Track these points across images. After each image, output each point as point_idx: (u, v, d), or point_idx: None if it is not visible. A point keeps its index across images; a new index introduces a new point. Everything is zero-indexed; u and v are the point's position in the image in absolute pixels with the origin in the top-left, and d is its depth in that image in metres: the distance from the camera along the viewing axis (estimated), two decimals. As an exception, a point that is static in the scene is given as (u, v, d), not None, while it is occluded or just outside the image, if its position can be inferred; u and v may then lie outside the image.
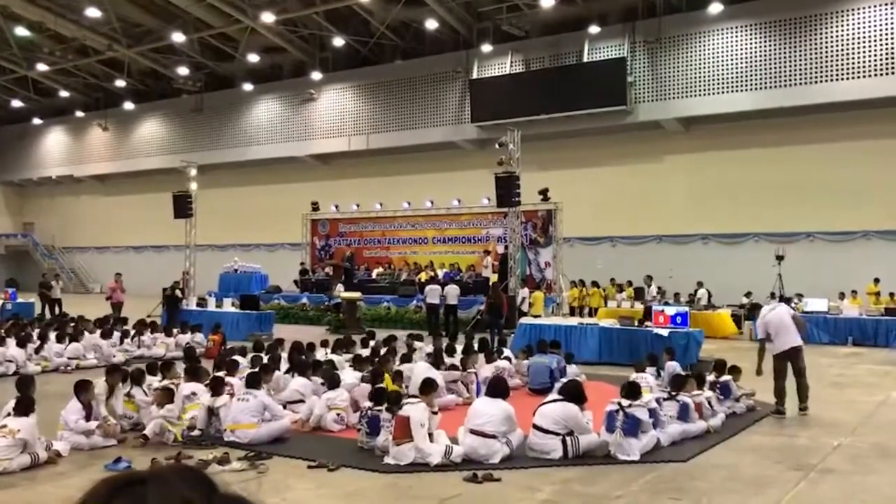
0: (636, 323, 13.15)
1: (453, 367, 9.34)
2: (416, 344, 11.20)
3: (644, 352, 10.94)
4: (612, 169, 23.74)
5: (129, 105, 32.91)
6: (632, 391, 6.86)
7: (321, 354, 10.36)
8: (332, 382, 7.87)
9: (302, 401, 7.91)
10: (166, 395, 7.20)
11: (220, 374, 8.32)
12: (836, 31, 20.06)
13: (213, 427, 7.19)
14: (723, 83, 21.42)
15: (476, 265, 21.31)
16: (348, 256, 22.96)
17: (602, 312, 18.22)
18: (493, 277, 19.22)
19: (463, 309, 18.35)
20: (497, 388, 6.79)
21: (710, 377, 8.54)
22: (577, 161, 24.02)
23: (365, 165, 28.15)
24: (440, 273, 20.97)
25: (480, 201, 21.61)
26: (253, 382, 7.41)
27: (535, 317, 16.72)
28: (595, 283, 20.71)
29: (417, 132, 26.33)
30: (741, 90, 21.18)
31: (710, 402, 7.77)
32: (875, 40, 19.61)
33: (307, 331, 18.01)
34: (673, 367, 9.47)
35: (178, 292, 19.09)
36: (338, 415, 7.55)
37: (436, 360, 9.59)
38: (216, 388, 7.59)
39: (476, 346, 11.14)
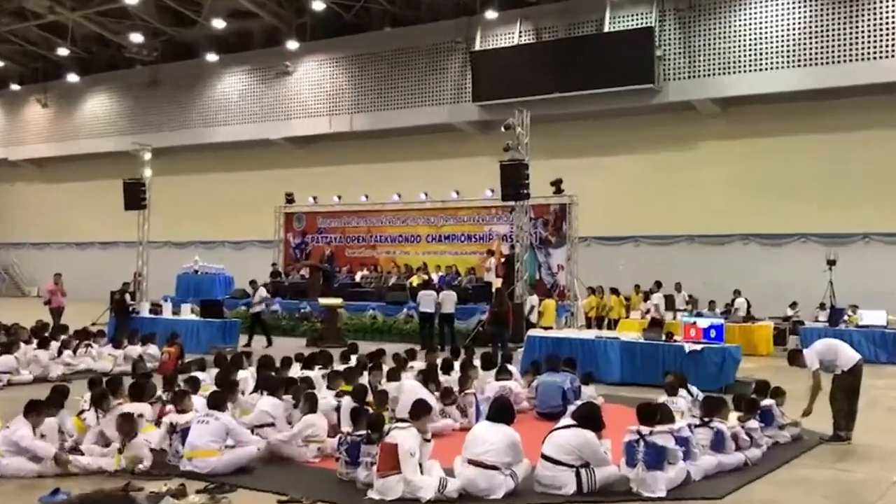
0: (664, 337, 13.14)
1: (447, 391, 9.31)
2: (412, 364, 11.18)
3: (672, 370, 10.91)
4: (636, 157, 23.77)
5: (72, 77, 32.82)
6: (649, 414, 6.83)
7: (295, 371, 10.33)
8: (311, 405, 7.83)
9: (272, 424, 7.88)
10: (128, 425, 7.10)
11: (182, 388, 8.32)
12: (899, -1, 20.10)
13: (172, 450, 7.15)
14: (767, 58, 21.45)
15: (477, 268, 21.30)
16: (328, 256, 22.93)
17: (623, 324, 18.21)
18: (497, 282, 19.20)
19: (462, 319, 18.31)
20: (500, 411, 6.77)
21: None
22: (596, 148, 24.03)
23: (348, 150, 28.13)
24: (435, 277, 20.95)
25: (483, 193, 21.57)
26: (216, 402, 7.37)
27: (546, 328, 16.71)
28: (615, 291, 20.72)
29: (410, 112, 26.32)
30: (788, 66, 21.21)
31: (749, 432, 7.76)
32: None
33: (280, 343, 17.97)
34: (693, 390, 9.54)
35: (128, 297, 19.04)
36: (318, 449, 7.52)
37: (428, 377, 9.57)
38: (181, 402, 7.55)
39: (477, 361, 11.11)
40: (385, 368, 10.22)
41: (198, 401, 7.92)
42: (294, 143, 29.50)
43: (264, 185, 27.81)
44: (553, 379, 10.12)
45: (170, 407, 7.95)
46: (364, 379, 9.61)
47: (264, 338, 18.03)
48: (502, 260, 20.53)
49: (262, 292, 19.15)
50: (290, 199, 25.13)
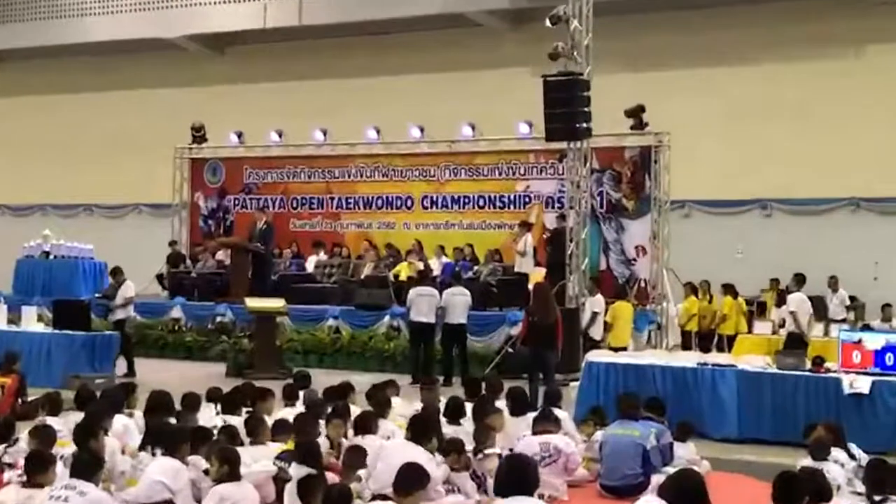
0: (809, 364, 13.10)
1: (455, 447, 9.33)
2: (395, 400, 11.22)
3: (822, 419, 10.91)
4: (769, 69, 23.55)
5: None
6: (791, 491, 6.82)
7: (208, 416, 10.35)
8: (231, 469, 7.87)
9: (169, 502, 7.91)
10: None
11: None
12: None
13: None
14: None
15: (505, 251, 21.26)
16: (261, 230, 22.84)
17: (743, 343, 18.16)
18: (537, 274, 19.17)
19: (479, 333, 18.35)
20: (514, 476, 6.75)
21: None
22: (701, 54, 23.87)
23: (295, 58, 27.99)
24: (436, 265, 20.98)
25: (514, 129, 21.52)
26: (83, 467, 7.41)
27: (617, 349, 16.68)
28: (729, 289, 20.66)
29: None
30: None
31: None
32: None
33: (182, 371, 17.99)
34: (855, 450, 9.58)
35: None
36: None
37: (422, 430, 9.57)
38: (36, 472, 7.57)
39: (504, 402, 11.13)
40: (354, 413, 10.24)
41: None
42: (207, 44, 29.34)
43: (158, 114, 27.72)
44: (628, 432, 10.11)
45: (10, 475, 7.96)
46: (320, 431, 9.63)
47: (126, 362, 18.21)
48: (545, 237, 20.48)
49: (129, 288, 19.15)
50: (199, 137, 24.97)
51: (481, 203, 22.59)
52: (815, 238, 22.68)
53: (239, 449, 8.54)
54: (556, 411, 11.06)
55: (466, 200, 22.71)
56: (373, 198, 23.70)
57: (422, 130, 23.03)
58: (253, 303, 19.25)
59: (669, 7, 23.77)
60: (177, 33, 28.98)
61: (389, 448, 8.99)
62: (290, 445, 9.02)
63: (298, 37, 27.81)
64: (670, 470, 8.39)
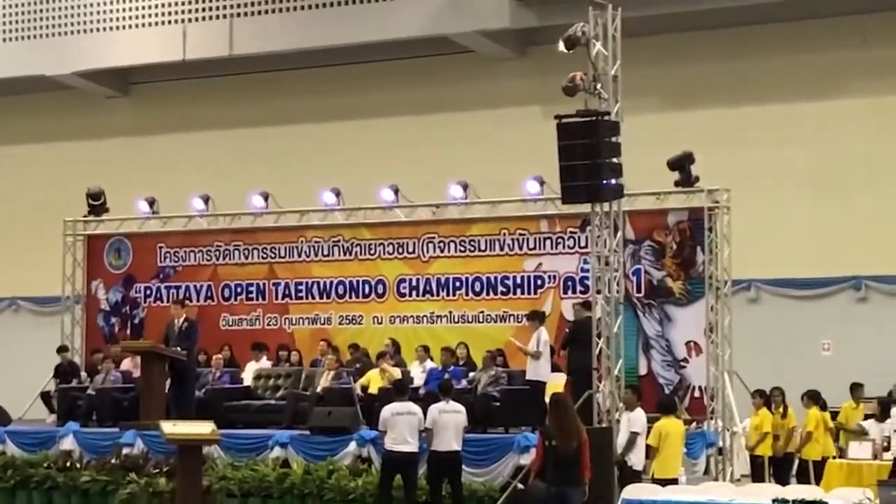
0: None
1: None
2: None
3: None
4: (868, 105, 23.61)
5: None
6: None
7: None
8: None
9: None
10: None
11: None
12: None
13: None
14: None
15: (510, 352, 21.28)
16: (181, 329, 22.83)
17: (834, 471, 18.17)
18: (555, 383, 19.20)
19: (478, 464, 18.35)
20: None
21: None
22: (773, 84, 24.09)
23: (224, 99, 28.24)
24: (418, 372, 21.00)
25: (520, 189, 21.71)
26: None
27: (665, 483, 16.67)
28: (813, 398, 20.69)
29: (359, 13, 26.35)
30: None
31: None
32: None
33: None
34: None
35: None
36: None
37: None
38: None
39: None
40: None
41: None
42: (105, 82, 29.50)
43: (40, 177, 27.85)
44: None
45: None
46: None
47: None
48: (565, 332, 20.51)
49: None
50: (96, 207, 24.97)
51: (477, 288, 22.64)
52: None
53: None
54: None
55: (457, 285, 22.75)
56: (331, 283, 23.71)
57: (396, 192, 23.11)
58: (172, 428, 19.16)
59: (726, 22, 24.05)
60: (65, 69, 29.09)
61: None
62: None
63: (227, 70, 28.03)
64: None
